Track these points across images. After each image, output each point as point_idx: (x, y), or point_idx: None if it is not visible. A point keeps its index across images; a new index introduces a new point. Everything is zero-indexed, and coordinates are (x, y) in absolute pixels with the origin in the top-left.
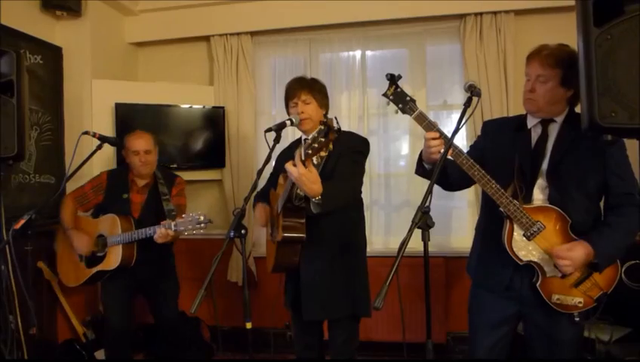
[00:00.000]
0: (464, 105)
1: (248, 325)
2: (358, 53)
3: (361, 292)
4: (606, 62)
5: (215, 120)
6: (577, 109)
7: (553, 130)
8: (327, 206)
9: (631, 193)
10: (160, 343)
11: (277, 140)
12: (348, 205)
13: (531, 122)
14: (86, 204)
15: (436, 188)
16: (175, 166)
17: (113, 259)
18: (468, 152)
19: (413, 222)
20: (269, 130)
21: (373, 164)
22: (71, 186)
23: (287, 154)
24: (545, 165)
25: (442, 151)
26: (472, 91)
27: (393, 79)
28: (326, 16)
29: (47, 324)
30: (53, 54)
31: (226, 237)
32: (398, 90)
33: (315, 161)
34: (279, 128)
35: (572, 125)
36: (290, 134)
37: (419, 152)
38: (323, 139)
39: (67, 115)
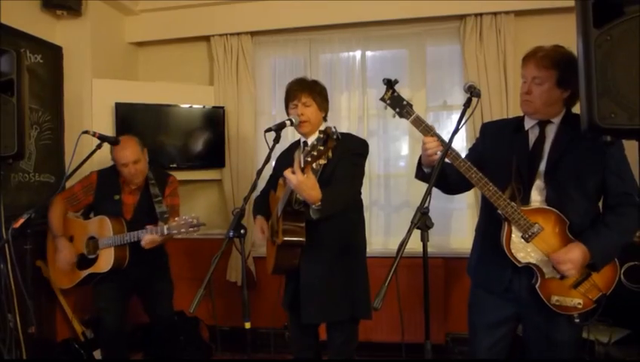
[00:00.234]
0: (464, 105)
1: (247, 325)
2: (358, 54)
3: (361, 294)
4: (605, 63)
5: (215, 120)
6: (574, 110)
7: (550, 132)
8: (326, 211)
9: (630, 193)
10: (156, 343)
11: (277, 140)
12: (347, 209)
13: (529, 124)
14: (76, 205)
15: (436, 189)
16: (175, 166)
17: (105, 261)
18: (467, 155)
19: (412, 222)
20: (268, 130)
21: (373, 164)
22: (70, 186)
23: (286, 155)
24: (542, 166)
25: (440, 153)
26: (472, 92)
27: (390, 84)
28: (326, 16)
29: (45, 323)
30: (53, 54)
31: (225, 237)
32: (395, 94)
33: (314, 166)
34: (279, 128)
35: (569, 126)
36: (290, 134)
37: (418, 156)
38: (322, 148)
39: (67, 114)
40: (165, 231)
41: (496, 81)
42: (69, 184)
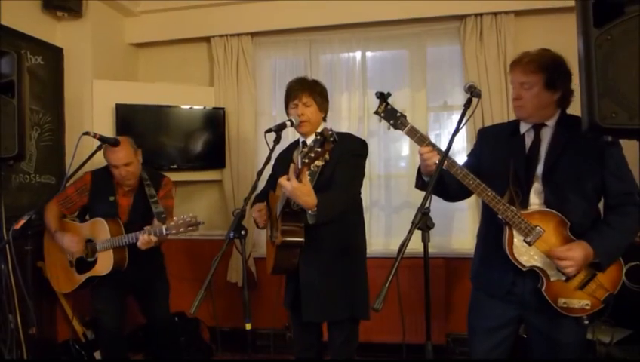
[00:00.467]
0: (464, 106)
1: (248, 326)
2: (358, 54)
3: (360, 295)
4: (606, 63)
5: (215, 121)
6: (573, 111)
7: (546, 134)
8: (322, 217)
9: (631, 193)
10: (156, 344)
11: (277, 141)
12: (345, 213)
13: (524, 128)
14: (71, 207)
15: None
16: (175, 167)
17: (104, 263)
18: (466, 161)
19: (413, 223)
20: (269, 130)
21: (374, 165)
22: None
23: (285, 155)
24: (540, 169)
25: (437, 161)
26: (472, 92)
27: (383, 97)
28: (326, 17)
29: (46, 324)
30: (53, 55)
31: (225, 238)
32: (389, 107)
33: (311, 168)
34: (279, 129)
35: (565, 128)
36: (291, 135)
37: (419, 157)
38: (319, 150)
39: (68, 115)
40: (164, 232)
41: (497, 82)
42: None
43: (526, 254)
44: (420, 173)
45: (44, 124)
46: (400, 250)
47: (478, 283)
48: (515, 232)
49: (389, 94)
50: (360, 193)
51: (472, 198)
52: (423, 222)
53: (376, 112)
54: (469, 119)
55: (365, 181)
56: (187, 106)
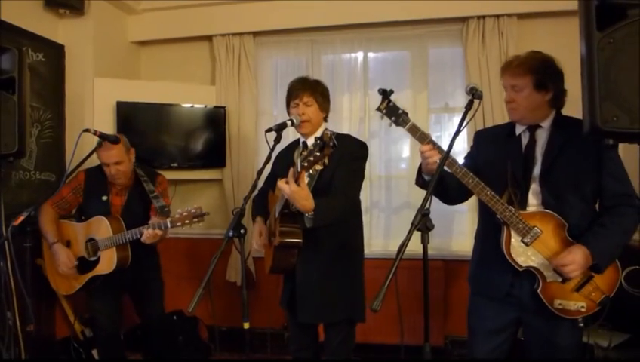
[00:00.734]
0: (465, 107)
1: (246, 325)
2: (360, 55)
3: (356, 297)
4: (608, 66)
5: (216, 119)
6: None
7: (541, 136)
8: (319, 222)
9: (627, 194)
10: (153, 343)
11: (277, 140)
12: (343, 218)
13: (519, 129)
14: (67, 208)
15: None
16: (176, 165)
17: (108, 262)
18: (462, 163)
19: (412, 224)
20: (269, 130)
21: (374, 166)
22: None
23: (285, 155)
24: (537, 170)
25: (438, 160)
26: (474, 94)
27: (385, 94)
28: (328, 17)
29: (45, 321)
30: (55, 52)
31: (224, 237)
32: (391, 104)
33: (310, 172)
34: (280, 128)
35: (561, 129)
36: (291, 134)
37: (419, 159)
38: (318, 154)
39: (68, 112)
40: (169, 225)
41: (498, 84)
42: None
43: (523, 255)
44: (421, 171)
45: (44, 121)
46: (399, 251)
47: (476, 286)
48: (512, 232)
49: (391, 91)
50: (359, 194)
51: (472, 201)
52: (422, 223)
53: (379, 109)
54: (470, 121)
55: (365, 182)
56: (188, 105)
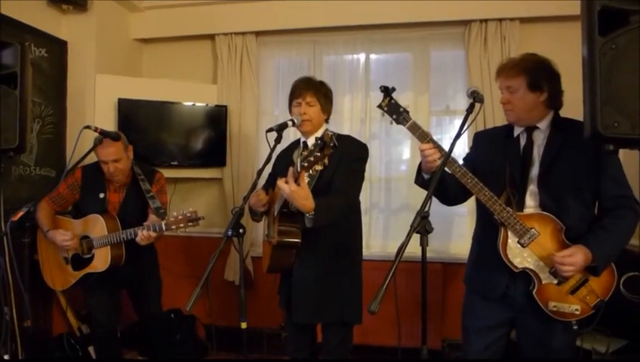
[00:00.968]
0: (466, 110)
1: (243, 325)
2: (362, 57)
3: (353, 299)
4: (610, 72)
5: (217, 118)
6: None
7: (538, 137)
8: (319, 222)
9: (626, 196)
10: (150, 341)
11: (278, 140)
12: (343, 218)
13: (517, 130)
14: (63, 204)
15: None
16: (176, 163)
17: (101, 260)
18: (461, 165)
19: (411, 226)
20: (270, 130)
21: (374, 167)
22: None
23: (286, 155)
24: (535, 172)
25: (438, 158)
26: (475, 97)
27: (387, 91)
28: (331, 18)
29: (42, 317)
30: (58, 48)
31: (223, 236)
32: (392, 101)
33: (310, 172)
34: (280, 128)
35: (559, 130)
36: (292, 134)
37: (419, 161)
38: (319, 154)
39: (70, 108)
40: (164, 228)
41: None
42: None
43: (519, 256)
44: (420, 170)
45: (45, 117)
46: (398, 253)
47: (472, 286)
48: (509, 233)
49: (393, 89)
50: (359, 196)
51: (472, 204)
52: (421, 225)
53: (380, 106)
54: (471, 124)
55: (365, 183)
56: (190, 103)
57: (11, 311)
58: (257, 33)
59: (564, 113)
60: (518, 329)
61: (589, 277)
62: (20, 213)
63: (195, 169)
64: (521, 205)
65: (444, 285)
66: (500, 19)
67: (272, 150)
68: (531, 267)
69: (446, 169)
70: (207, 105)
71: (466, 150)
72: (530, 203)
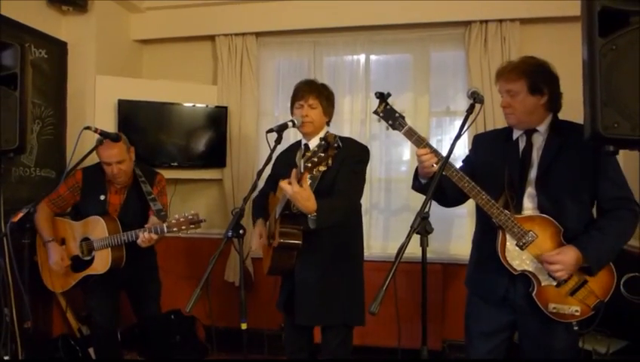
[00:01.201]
0: (466, 111)
1: (243, 326)
2: (362, 57)
3: (355, 301)
4: (610, 73)
5: (217, 119)
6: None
7: (537, 140)
8: (322, 223)
9: (625, 198)
10: (150, 342)
11: (278, 141)
12: (346, 220)
13: (516, 133)
14: (63, 206)
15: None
16: (176, 164)
17: (102, 262)
18: (460, 167)
19: (411, 227)
20: (270, 131)
21: (374, 168)
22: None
23: (286, 156)
24: (533, 174)
25: (435, 163)
26: (475, 98)
27: (383, 97)
28: (331, 19)
29: (42, 318)
30: (58, 49)
31: (223, 237)
32: (388, 107)
33: (313, 173)
34: (281, 129)
35: (558, 133)
36: (292, 135)
37: (415, 167)
38: (322, 155)
39: (70, 109)
40: (165, 230)
41: None
42: None
43: (518, 258)
44: (417, 175)
45: (45, 118)
46: (398, 253)
47: (473, 289)
48: (508, 236)
49: (388, 94)
50: (361, 198)
51: (471, 205)
52: (421, 226)
53: (376, 112)
54: (471, 125)
55: (366, 184)
56: (190, 104)
57: (11, 312)
58: (257, 34)
59: (564, 114)
60: (519, 331)
61: (588, 279)
62: (20, 214)
63: (195, 170)
64: (519, 207)
65: (444, 286)
66: (500, 20)
67: (272, 151)
68: (530, 269)
69: (443, 172)
70: (207, 106)
71: (466, 151)
72: (529, 205)
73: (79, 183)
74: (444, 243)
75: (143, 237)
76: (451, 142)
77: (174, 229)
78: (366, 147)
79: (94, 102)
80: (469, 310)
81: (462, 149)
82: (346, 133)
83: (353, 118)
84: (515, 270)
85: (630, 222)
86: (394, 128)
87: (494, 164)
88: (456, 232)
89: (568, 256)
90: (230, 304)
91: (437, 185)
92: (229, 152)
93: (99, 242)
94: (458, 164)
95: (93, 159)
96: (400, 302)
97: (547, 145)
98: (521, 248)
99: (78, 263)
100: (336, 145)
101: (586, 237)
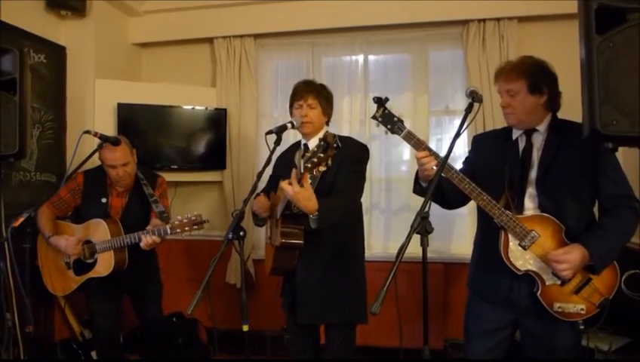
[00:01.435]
0: (465, 110)
1: (245, 327)
2: (360, 58)
3: (357, 299)
4: (608, 70)
5: (217, 121)
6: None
7: (537, 139)
8: (323, 222)
9: (625, 195)
10: (152, 344)
11: (277, 143)
12: (346, 219)
13: (516, 133)
14: (64, 209)
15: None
16: (176, 167)
17: (105, 265)
18: (460, 168)
19: (412, 227)
20: (269, 132)
21: (374, 168)
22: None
23: (286, 157)
24: (533, 174)
25: (435, 166)
26: (474, 97)
27: (381, 102)
28: (329, 20)
29: (44, 322)
30: (56, 53)
31: (224, 239)
32: (386, 111)
33: (313, 173)
34: (280, 131)
35: (557, 132)
36: (292, 136)
37: (416, 171)
38: (322, 155)
39: (69, 113)
40: (169, 231)
41: None
42: None
43: (521, 258)
44: (418, 179)
45: (45, 122)
46: (398, 253)
47: (475, 289)
48: (510, 236)
49: (386, 99)
50: (361, 198)
51: (472, 204)
52: (422, 226)
53: (374, 117)
54: (469, 124)
55: (366, 184)
56: (189, 107)
57: (13, 317)
58: (256, 36)
59: (562, 112)
60: (521, 330)
61: (591, 276)
62: (21, 219)
63: (195, 172)
64: (520, 207)
65: (445, 285)
66: (498, 19)
67: (272, 152)
68: (534, 269)
69: (442, 174)
70: (206, 108)
71: (466, 151)
72: (530, 205)
73: (80, 186)
74: (445, 242)
75: (146, 240)
76: (450, 142)
77: (177, 231)
78: (365, 146)
79: (94, 106)
80: (469, 310)
81: (462, 148)
82: (345, 134)
83: (352, 119)
84: (518, 270)
85: (631, 219)
86: (393, 132)
87: (494, 164)
88: (457, 231)
89: (575, 255)
90: (232, 306)
91: (437, 187)
92: (229, 154)
93: (101, 244)
94: (458, 164)
95: (93, 162)
96: (401, 301)
97: (547, 145)
98: (524, 248)
99: (80, 266)
100: (335, 145)
101: (589, 235)
